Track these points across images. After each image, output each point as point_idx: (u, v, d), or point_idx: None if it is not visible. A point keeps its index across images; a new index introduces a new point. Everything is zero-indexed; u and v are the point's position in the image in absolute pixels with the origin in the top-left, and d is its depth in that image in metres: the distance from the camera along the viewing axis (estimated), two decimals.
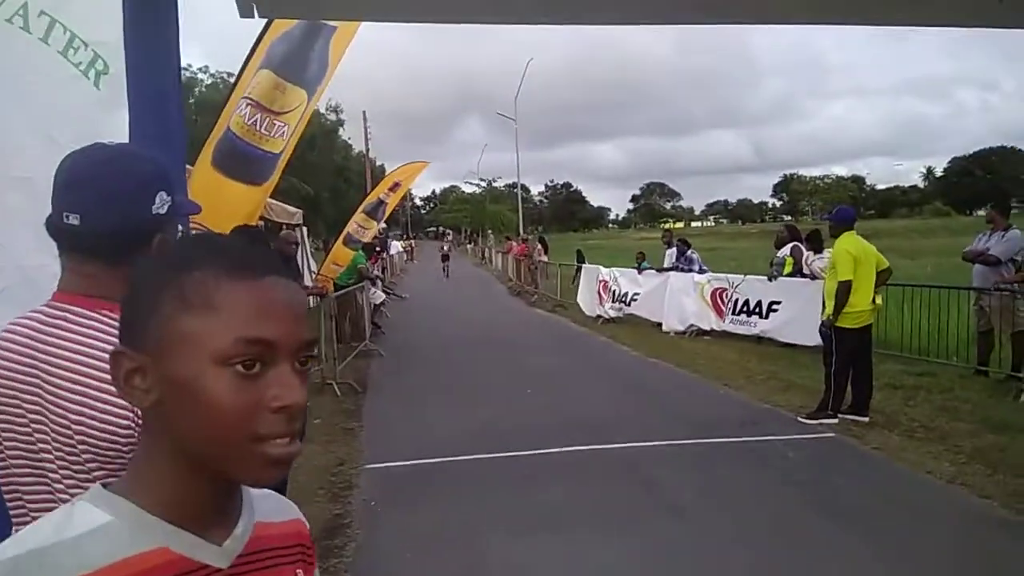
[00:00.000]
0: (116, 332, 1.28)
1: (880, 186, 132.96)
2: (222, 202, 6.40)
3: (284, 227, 14.04)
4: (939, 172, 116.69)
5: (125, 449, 1.26)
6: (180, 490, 0.80)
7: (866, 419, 6.61)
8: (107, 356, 1.25)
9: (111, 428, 1.24)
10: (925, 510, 4.74)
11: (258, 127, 6.59)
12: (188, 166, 7.49)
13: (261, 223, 13.98)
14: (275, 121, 6.70)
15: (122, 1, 2.43)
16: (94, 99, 2.42)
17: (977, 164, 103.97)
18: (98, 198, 1.30)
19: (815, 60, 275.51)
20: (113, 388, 1.24)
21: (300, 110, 6.96)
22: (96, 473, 1.27)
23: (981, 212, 72.46)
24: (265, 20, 6.48)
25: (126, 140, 2.47)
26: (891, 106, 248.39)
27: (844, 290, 6.50)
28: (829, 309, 6.67)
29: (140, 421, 1.25)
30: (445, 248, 39.88)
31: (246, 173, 6.64)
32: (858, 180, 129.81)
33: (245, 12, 3.29)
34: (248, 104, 6.50)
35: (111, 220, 1.30)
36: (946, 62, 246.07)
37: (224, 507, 0.84)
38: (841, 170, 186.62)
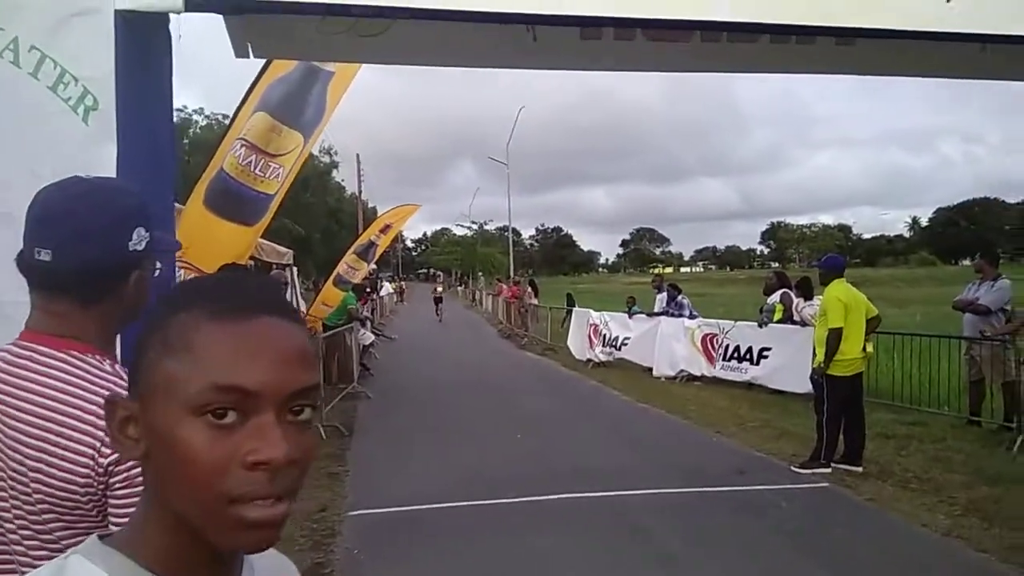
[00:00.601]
0: (84, 375, 1.23)
1: (866, 235, 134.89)
2: (213, 241, 6.37)
3: (274, 267, 13.99)
4: (924, 222, 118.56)
5: (83, 501, 1.19)
6: (174, 547, 0.74)
7: (859, 469, 6.53)
8: (72, 400, 1.21)
9: (69, 478, 1.17)
10: (921, 564, 4.65)
11: (252, 168, 6.59)
12: (179, 204, 7.50)
13: (251, 263, 13.96)
14: (270, 163, 6.70)
15: (114, 38, 2.42)
16: (82, 134, 2.39)
17: (962, 215, 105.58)
18: (71, 233, 1.24)
19: (801, 110, 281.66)
20: (75, 435, 1.19)
21: (296, 153, 6.98)
22: (52, 525, 1.20)
23: (967, 262, 73.38)
24: (262, 62, 6.54)
25: (113, 175, 2.44)
26: (877, 156, 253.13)
27: (835, 337, 6.47)
28: (820, 356, 6.63)
29: (100, 472, 1.19)
30: (438, 290, 36.86)
31: (238, 213, 6.62)
32: (844, 229, 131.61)
33: (240, 52, 3.31)
34: (243, 145, 6.51)
35: (84, 256, 1.24)
36: (931, 114, 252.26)
37: (221, 566, 0.77)
38: (828, 219, 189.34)
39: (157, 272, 1.44)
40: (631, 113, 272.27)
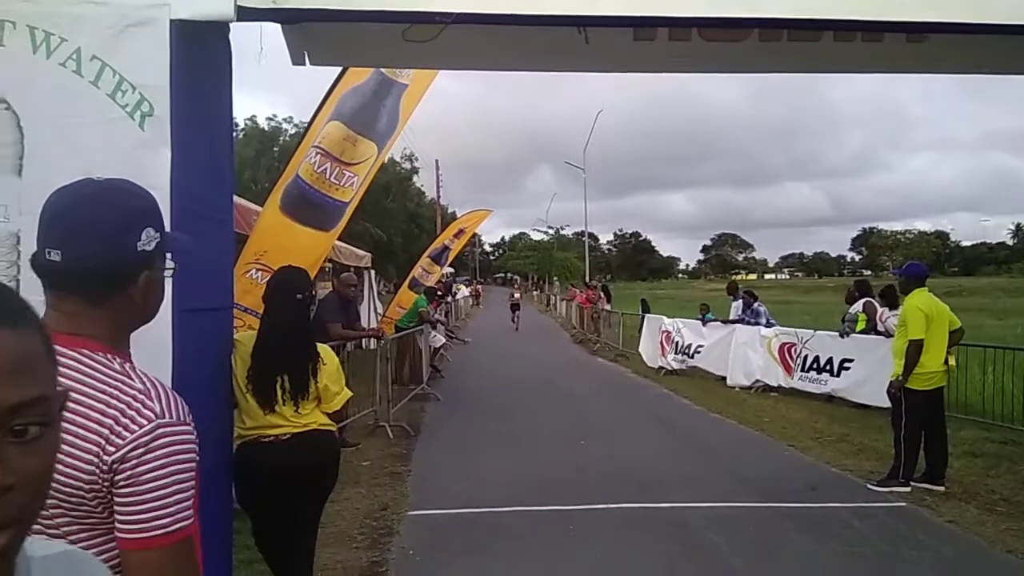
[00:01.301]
0: (92, 372, 1.27)
1: (965, 242, 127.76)
2: (290, 245, 6.58)
3: (352, 269, 14.35)
4: None
5: (89, 498, 1.22)
6: None
7: (941, 489, 6.17)
8: (79, 397, 1.24)
9: (75, 474, 1.21)
10: None
11: (328, 176, 6.77)
12: (257, 206, 7.77)
13: (328, 265, 14.37)
14: (345, 171, 6.87)
15: (170, 47, 2.52)
16: (138, 140, 2.50)
17: None
18: (80, 233, 1.29)
19: (896, 112, 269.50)
20: (81, 432, 1.22)
21: (370, 162, 7.14)
22: (59, 520, 1.23)
23: None
24: (338, 71, 6.73)
25: (167, 180, 2.54)
26: (977, 160, 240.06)
27: (915, 350, 6.13)
28: (898, 369, 6.30)
29: (104, 469, 1.22)
30: (515, 296, 32.80)
31: (314, 219, 6.81)
32: (942, 235, 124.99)
33: (297, 60, 3.40)
34: (318, 153, 6.70)
35: (92, 256, 1.28)
36: None
37: None
38: (924, 225, 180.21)
39: (171, 272, 1.47)
40: (713, 116, 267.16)
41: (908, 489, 6.16)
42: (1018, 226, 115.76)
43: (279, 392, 3.16)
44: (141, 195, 1.41)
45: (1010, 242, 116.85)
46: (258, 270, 6.49)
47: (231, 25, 2.82)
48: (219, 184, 3.04)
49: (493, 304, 49.00)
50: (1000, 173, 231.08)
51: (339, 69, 6.57)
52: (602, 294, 23.67)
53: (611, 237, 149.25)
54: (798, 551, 4.97)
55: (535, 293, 64.49)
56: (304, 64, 3.36)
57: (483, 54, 3.50)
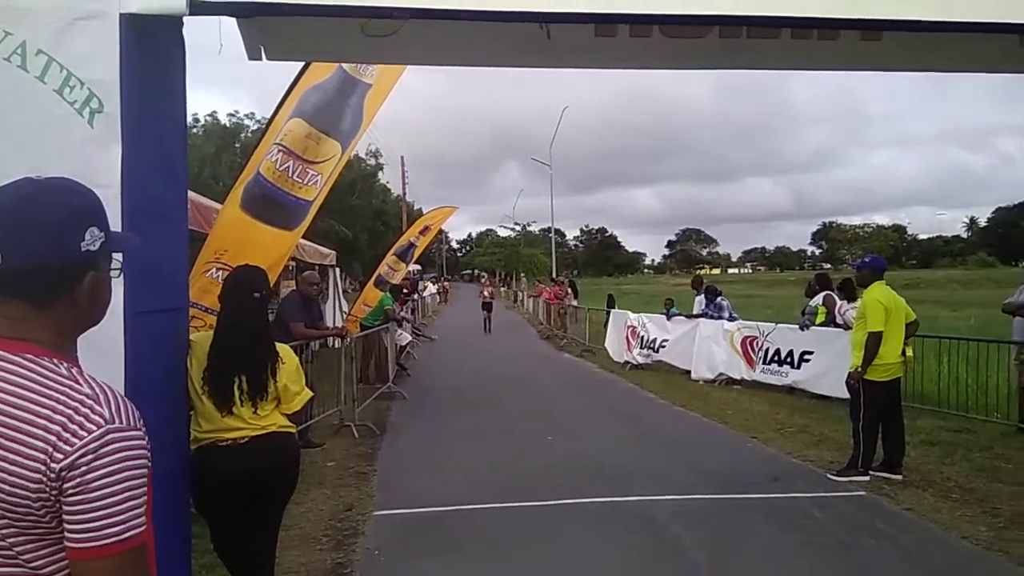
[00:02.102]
0: (38, 378, 1.23)
1: (922, 236, 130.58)
2: (252, 243, 6.47)
3: (316, 267, 14.19)
4: (983, 222, 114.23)
5: (36, 507, 1.18)
6: None
7: (899, 477, 6.31)
8: (24, 404, 1.20)
9: (21, 483, 1.17)
10: None
11: (291, 174, 6.67)
12: (217, 204, 7.63)
13: (292, 263, 14.19)
14: (308, 169, 6.78)
15: (120, 41, 2.45)
16: (88, 137, 2.43)
17: (1022, 215, 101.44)
18: (20, 234, 1.24)
19: (856, 109, 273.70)
20: (27, 439, 1.18)
21: (333, 161, 7.05)
22: (5, 531, 1.19)
23: None
24: (300, 68, 6.63)
25: (118, 177, 2.47)
26: (934, 155, 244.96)
27: (874, 341, 6.26)
28: (856, 361, 6.42)
29: (52, 478, 1.18)
30: (486, 293, 28.67)
31: (278, 218, 6.70)
32: (899, 229, 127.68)
33: (253, 55, 3.33)
34: (280, 150, 6.59)
35: (34, 257, 1.24)
36: (992, 111, 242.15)
37: None
38: (882, 219, 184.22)
39: (118, 273, 1.42)
40: (679, 112, 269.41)
41: (867, 478, 6.29)
42: (972, 220, 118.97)
43: (237, 393, 3.09)
44: (83, 193, 1.36)
45: (964, 235, 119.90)
46: (218, 269, 6.37)
47: (185, 19, 2.75)
48: (172, 182, 2.97)
49: (460, 301, 48.87)
50: (956, 168, 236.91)
51: (300, 65, 6.48)
52: (570, 290, 23.78)
53: (578, 233, 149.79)
54: (761, 542, 5.04)
55: (503, 289, 64.52)
56: (261, 59, 3.30)
57: (445, 50, 3.47)
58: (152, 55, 2.69)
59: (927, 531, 5.21)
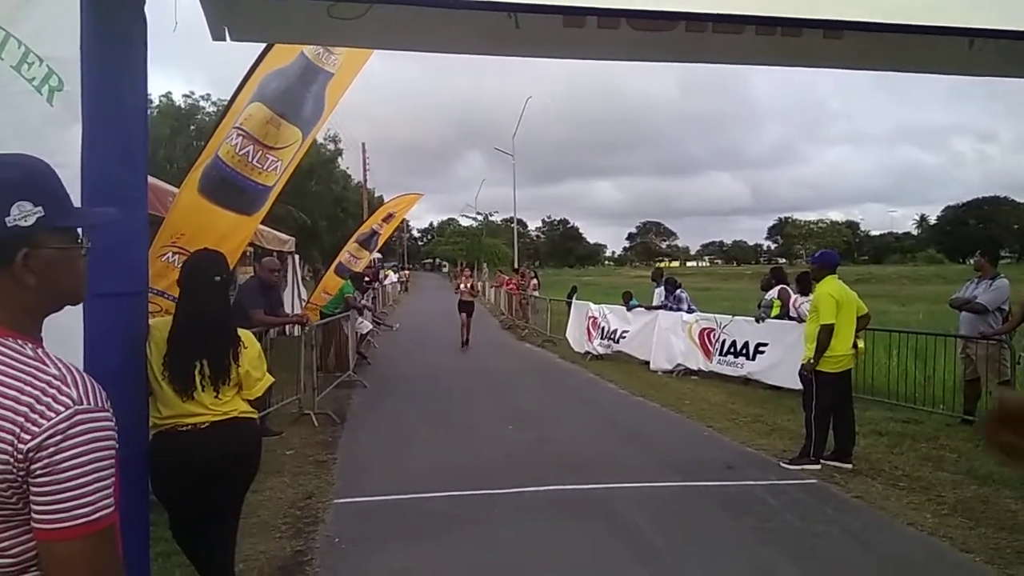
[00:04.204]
0: (6, 358, 1.21)
1: (874, 232, 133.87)
2: (209, 228, 6.37)
3: (275, 254, 13.99)
4: (933, 220, 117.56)
5: (2, 487, 1.17)
6: None
7: (849, 466, 6.50)
8: None
9: None
10: (904, 563, 4.62)
11: (250, 159, 6.58)
12: (173, 187, 7.48)
13: (250, 249, 13.97)
14: (268, 155, 6.70)
15: (80, 18, 2.39)
16: (46, 116, 2.37)
17: (971, 213, 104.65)
18: None
19: (814, 106, 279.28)
20: None
21: (294, 148, 6.98)
22: None
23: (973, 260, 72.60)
24: (260, 51, 6.52)
25: (77, 157, 2.42)
26: (888, 153, 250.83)
27: (826, 334, 6.43)
28: (809, 352, 6.59)
29: (19, 459, 1.17)
30: (464, 289, 18.46)
31: (237, 202, 6.61)
32: (852, 225, 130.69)
33: (217, 35, 3.28)
34: (240, 135, 6.50)
35: None
36: (946, 111, 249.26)
37: None
38: (836, 215, 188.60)
39: (84, 251, 1.40)
40: (642, 105, 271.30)
41: (818, 466, 6.47)
42: (923, 217, 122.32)
43: (198, 379, 3.05)
44: (16, 165, 1.31)
45: (915, 232, 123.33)
46: (175, 253, 6.26)
47: None
48: (132, 163, 2.91)
49: (422, 289, 48.67)
50: (908, 166, 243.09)
51: (261, 48, 6.38)
52: (534, 279, 23.92)
53: (540, 224, 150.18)
54: (716, 528, 5.16)
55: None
56: (225, 40, 3.25)
57: (411, 35, 3.45)
58: (113, 32, 2.63)
59: (875, 518, 5.38)
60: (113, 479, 1.24)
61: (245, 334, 3.30)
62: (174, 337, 3.06)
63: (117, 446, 1.27)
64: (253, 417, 3.32)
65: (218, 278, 3.23)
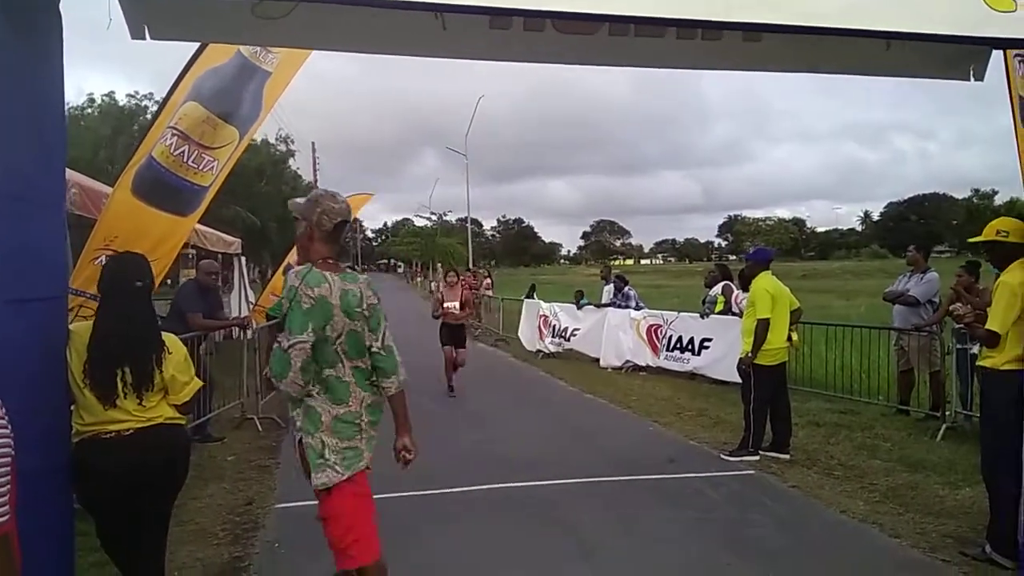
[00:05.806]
0: None
1: (820, 228, 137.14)
2: (145, 229, 6.27)
3: (219, 256, 13.74)
4: (876, 216, 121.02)
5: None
6: None
7: (787, 456, 6.67)
8: None
9: None
10: (836, 550, 4.75)
11: (185, 159, 6.48)
12: (108, 188, 7.29)
13: (193, 251, 13.69)
14: (204, 155, 6.61)
15: None
16: None
17: (912, 209, 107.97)
18: None
19: (761, 106, 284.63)
20: None
21: (231, 147, 6.90)
22: None
23: None
24: (195, 50, 6.42)
25: None
26: (832, 151, 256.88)
27: (763, 328, 6.59)
28: (747, 347, 6.75)
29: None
30: (449, 307, 11.59)
31: (172, 203, 6.51)
32: (799, 222, 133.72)
33: (136, 34, 3.22)
34: (175, 135, 6.39)
35: None
36: (887, 109, 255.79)
37: None
38: (783, 212, 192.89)
39: None
40: (596, 106, 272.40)
41: (757, 458, 6.63)
42: (867, 213, 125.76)
43: (120, 385, 2.99)
44: None
45: (859, 228, 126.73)
46: (108, 256, 6.12)
47: None
48: (48, 167, 2.84)
49: (379, 291, 48.06)
50: (852, 163, 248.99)
51: (195, 47, 6.29)
52: (488, 279, 23.96)
53: (495, 223, 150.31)
54: (655, 521, 5.24)
55: (419, 280, 64.05)
56: (144, 38, 3.18)
57: (338, 35, 3.44)
58: (27, 33, 2.57)
59: (810, 506, 5.54)
60: (8, 487, 1.22)
61: (169, 338, 3.25)
62: (94, 344, 2.99)
63: (13, 454, 1.25)
64: (180, 423, 3.27)
65: (139, 283, 3.16)
